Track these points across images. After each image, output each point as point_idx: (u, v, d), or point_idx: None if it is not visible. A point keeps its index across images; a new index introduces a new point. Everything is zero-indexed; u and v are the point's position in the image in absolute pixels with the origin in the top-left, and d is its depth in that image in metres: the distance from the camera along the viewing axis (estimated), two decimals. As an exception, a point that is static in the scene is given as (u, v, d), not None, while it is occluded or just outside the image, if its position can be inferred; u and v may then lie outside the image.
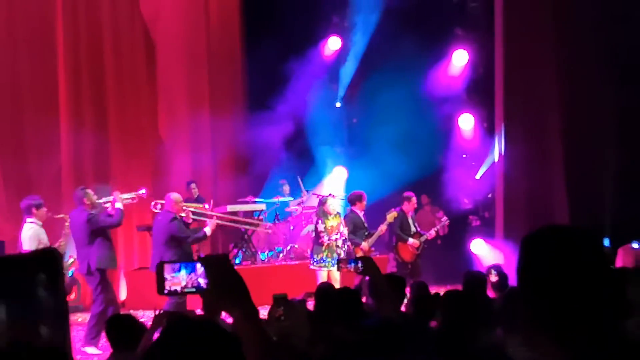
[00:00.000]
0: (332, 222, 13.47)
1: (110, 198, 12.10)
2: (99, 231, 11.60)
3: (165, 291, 2.47)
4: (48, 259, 1.59)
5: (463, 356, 4.70)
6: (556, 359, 2.08)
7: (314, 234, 13.91)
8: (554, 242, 2.14)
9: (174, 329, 2.10)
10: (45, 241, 11.14)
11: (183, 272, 2.46)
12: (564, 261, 2.09)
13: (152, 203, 14.40)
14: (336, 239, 13.39)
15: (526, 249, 2.18)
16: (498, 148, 16.42)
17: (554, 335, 2.08)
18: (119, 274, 16.31)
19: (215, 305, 2.42)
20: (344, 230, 13.56)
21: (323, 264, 13.26)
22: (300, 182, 18.34)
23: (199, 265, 2.44)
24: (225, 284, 2.40)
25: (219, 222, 15.59)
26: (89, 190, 11.81)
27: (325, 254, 13.32)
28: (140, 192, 13.01)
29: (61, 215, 12.67)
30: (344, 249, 13.59)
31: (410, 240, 14.20)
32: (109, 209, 11.92)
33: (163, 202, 13.13)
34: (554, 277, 2.08)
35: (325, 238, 13.31)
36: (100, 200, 12.05)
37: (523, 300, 2.17)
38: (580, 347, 2.06)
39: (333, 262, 13.03)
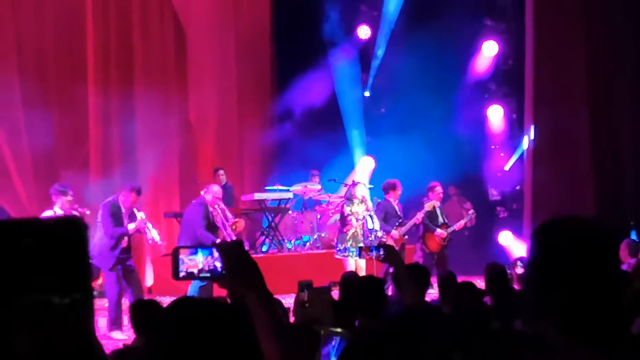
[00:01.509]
0: (356, 207, 13.50)
1: (140, 218, 11.75)
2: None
3: (182, 274, 2.48)
4: (72, 225, 1.57)
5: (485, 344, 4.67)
6: (563, 349, 2.07)
7: (339, 223, 13.94)
8: (563, 234, 2.14)
9: (178, 309, 2.12)
10: None
11: (200, 255, 2.46)
12: (573, 253, 2.09)
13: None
14: (362, 224, 13.43)
15: (536, 239, 2.18)
16: (527, 140, 16.35)
17: (560, 325, 2.07)
18: (145, 259, 16.39)
19: (230, 289, 2.43)
20: (368, 219, 13.57)
21: (347, 253, 13.27)
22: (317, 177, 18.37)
23: (214, 250, 2.45)
24: (240, 268, 2.41)
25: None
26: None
27: (349, 243, 13.34)
28: (157, 238, 12.06)
29: (86, 212, 12.34)
30: (370, 238, 13.59)
31: (438, 230, 14.15)
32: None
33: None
34: (562, 269, 2.08)
35: (354, 221, 13.34)
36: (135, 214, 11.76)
37: (532, 290, 2.16)
38: (586, 339, 2.06)
39: (357, 251, 13.04)
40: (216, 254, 2.44)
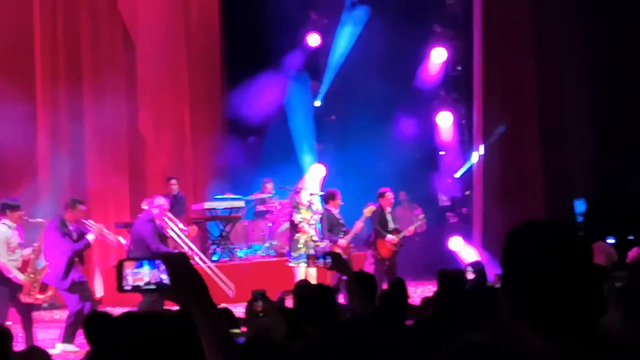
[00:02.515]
0: (305, 214, 13.50)
1: (90, 225, 11.75)
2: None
3: (127, 287, 2.46)
4: None
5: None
6: (539, 351, 2.10)
7: (290, 231, 13.93)
8: (538, 236, 2.16)
9: (125, 324, 2.11)
10: (14, 244, 11.04)
11: (146, 267, 2.44)
12: (548, 255, 2.11)
13: (145, 201, 14.20)
14: (308, 232, 13.42)
15: (510, 243, 2.20)
16: (477, 144, 16.46)
17: (536, 327, 2.09)
18: (94, 270, 16.23)
19: (176, 302, 2.43)
20: (317, 225, 13.59)
21: (301, 261, 13.25)
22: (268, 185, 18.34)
23: (160, 262, 2.44)
24: (184, 281, 2.41)
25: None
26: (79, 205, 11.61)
27: (302, 250, 13.31)
28: (121, 240, 12.31)
29: (39, 220, 12.21)
30: (322, 245, 13.59)
31: (389, 236, 14.18)
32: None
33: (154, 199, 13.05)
34: (538, 271, 2.10)
35: (306, 227, 13.34)
36: (85, 221, 11.75)
37: (506, 293, 2.18)
38: (562, 340, 2.08)
39: (306, 259, 13.01)
40: (162, 267, 2.43)
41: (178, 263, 2.43)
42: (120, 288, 2.46)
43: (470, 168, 17.48)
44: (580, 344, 2.07)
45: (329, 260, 5.20)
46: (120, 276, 2.45)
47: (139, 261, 2.46)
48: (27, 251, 11.22)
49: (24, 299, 11.10)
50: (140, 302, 11.51)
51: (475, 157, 16.62)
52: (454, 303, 6.49)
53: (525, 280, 2.12)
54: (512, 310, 2.15)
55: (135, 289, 2.45)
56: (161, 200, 12.56)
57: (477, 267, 9.72)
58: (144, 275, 2.44)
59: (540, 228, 2.19)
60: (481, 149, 16.23)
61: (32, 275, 11.18)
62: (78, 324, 10.96)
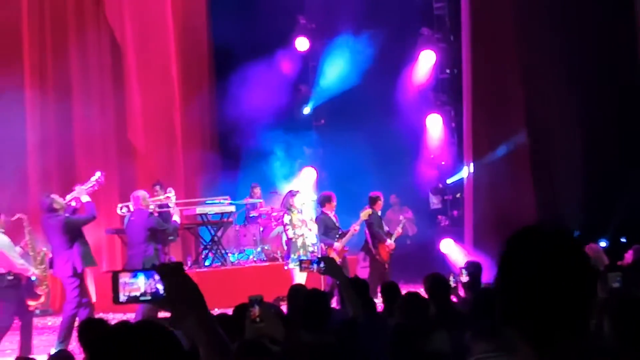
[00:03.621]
0: (296, 216, 13.42)
1: (73, 194, 11.80)
2: (77, 232, 11.49)
3: (123, 299, 2.45)
4: None
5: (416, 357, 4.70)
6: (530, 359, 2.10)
7: (286, 234, 13.90)
8: (533, 241, 2.14)
9: (117, 335, 2.12)
10: (15, 246, 11.12)
11: (141, 278, 2.44)
12: (547, 261, 2.09)
13: (119, 206, 14.36)
14: (303, 235, 13.34)
15: (507, 248, 2.18)
16: (467, 154, 16.49)
17: (532, 335, 2.09)
18: (86, 277, 16.21)
19: (171, 311, 2.43)
20: (311, 229, 13.53)
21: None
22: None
23: (155, 273, 2.44)
24: (180, 291, 2.41)
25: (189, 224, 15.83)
26: (54, 195, 11.61)
27: (301, 251, 13.24)
28: (96, 176, 12.14)
29: (17, 216, 12.17)
30: (315, 249, 13.55)
31: (388, 240, 14.24)
32: (74, 205, 11.74)
33: (128, 203, 13.16)
34: (536, 277, 2.09)
35: (290, 232, 13.26)
36: (65, 200, 11.79)
37: (500, 300, 2.17)
38: (556, 347, 2.07)
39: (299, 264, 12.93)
40: (157, 277, 2.43)
41: (173, 273, 2.44)
42: (117, 300, 2.45)
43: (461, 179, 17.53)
44: (562, 355, 2.06)
45: (322, 265, 5.21)
46: (116, 288, 2.44)
47: (134, 272, 2.45)
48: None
49: (35, 300, 11.20)
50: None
51: (465, 172, 16.66)
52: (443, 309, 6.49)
53: (516, 285, 2.11)
54: (503, 315, 2.14)
55: (132, 299, 2.44)
56: (139, 193, 12.70)
57: (471, 269, 9.69)
58: (139, 285, 2.44)
59: (536, 233, 2.17)
60: (471, 166, 16.31)
61: (41, 266, 11.29)
62: (72, 328, 10.97)
